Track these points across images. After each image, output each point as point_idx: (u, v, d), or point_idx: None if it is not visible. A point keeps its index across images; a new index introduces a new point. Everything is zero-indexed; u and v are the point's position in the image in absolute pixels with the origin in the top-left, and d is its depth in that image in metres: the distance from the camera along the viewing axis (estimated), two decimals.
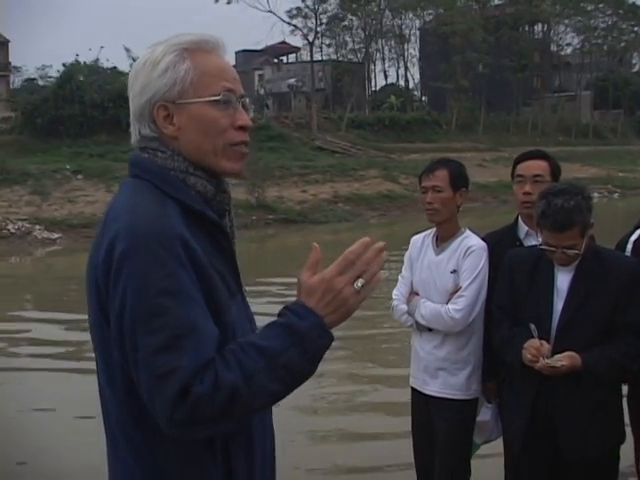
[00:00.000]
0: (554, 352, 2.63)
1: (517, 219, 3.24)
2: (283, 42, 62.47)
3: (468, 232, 3.19)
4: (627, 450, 2.83)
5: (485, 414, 3.20)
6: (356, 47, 50.96)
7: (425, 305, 3.13)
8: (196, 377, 1.29)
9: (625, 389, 3.04)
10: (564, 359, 2.59)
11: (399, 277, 3.36)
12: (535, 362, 2.62)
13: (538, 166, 3.11)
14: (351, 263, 1.37)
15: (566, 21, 50.46)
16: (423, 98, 54.11)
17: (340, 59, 52.44)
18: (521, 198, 3.12)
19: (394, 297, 3.31)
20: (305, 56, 51.59)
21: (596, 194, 32.31)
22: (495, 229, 3.41)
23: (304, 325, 1.34)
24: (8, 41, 46.94)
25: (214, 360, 1.31)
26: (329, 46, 53.17)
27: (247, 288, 1.60)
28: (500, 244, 3.15)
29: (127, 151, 22.59)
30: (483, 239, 3.21)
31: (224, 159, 1.48)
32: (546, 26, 52.83)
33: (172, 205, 1.40)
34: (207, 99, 1.45)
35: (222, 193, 1.52)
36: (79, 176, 22.76)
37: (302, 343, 1.33)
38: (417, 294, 3.22)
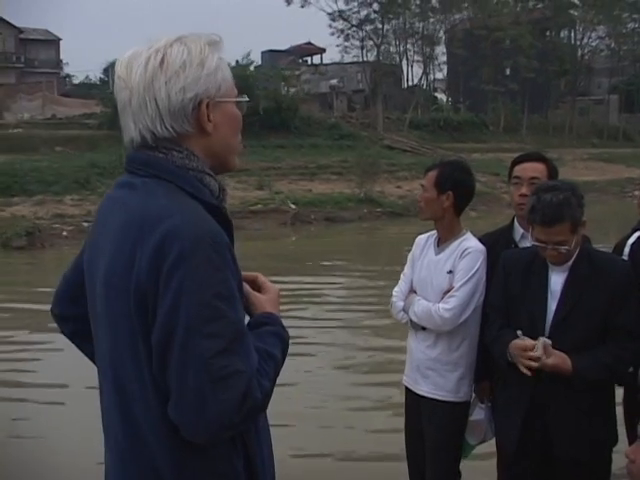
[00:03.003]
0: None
1: (513, 221, 3.26)
2: (309, 43, 63.52)
3: (468, 235, 3.21)
4: (620, 452, 2.79)
5: (479, 414, 3.21)
6: (391, 49, 51.95)
7: (419, 303, 3.16)
8: (254, 382, 1.35)
9: (620, 391, 3.06)
10: (551, 356, 2.59)
11: (401, 275, 3.39)
12: (523, 358, 2.61)
13: (535, 168, 3.12)
14: None
15: (601, 27, 51.87)
16: (449, 99, 55.38)
17: (371, 60, 53.47)
18: (517, 200, 3.11)
19: (394, 294, 3.34)
20: (351, 57, 52.35)
21: None
22: (491, 230, 3.45)
23: (286, 336, 1.54)
24: (59, 39, 47.77)
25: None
26: (362, 48, 54.17)
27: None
28: (496, 246, 3.16)
29: None
30: (478, 240, 3.22)
31: (236, 156, 1.58)
32: (573, 31, 54.34)
33: (200, 206, 1.42)
34: (238, 99, 1.55)
35: (222, 191, 1.54)
36: None
37: (284, 352, 1.51)
38: (415, 292, 3.25)
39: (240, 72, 30.88)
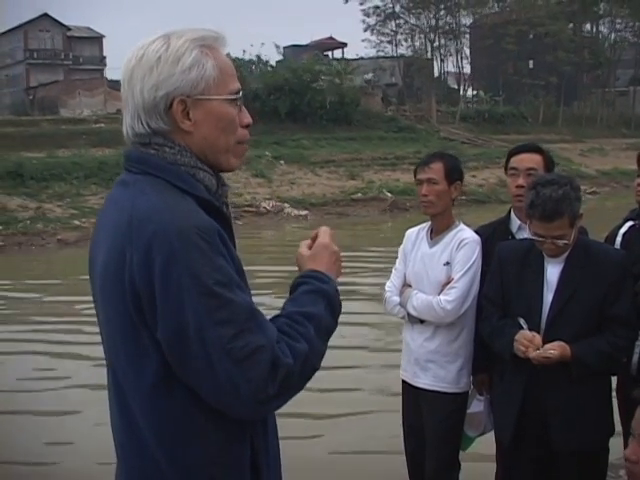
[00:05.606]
0: (544, 344, 2.65)
1: (510, 212, 3.24)
2: (330, 37, 64.43)
3: (462, 225, 3.21)
4: (617, 442, 2.85)
5: (477, 406, 3.22)
6: (419, 44, 52.96)
7: (417, 296, 3.14)
8: (278, 351, 1.37)
9: (614, 381, 3.09)
10: (555, 348, 2.61)
11: (393, 270, 3.37)
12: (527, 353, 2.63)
13: (532, 159, 3.12)
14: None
15: (625, 20, 53.10)
16: (477, 92, 56.48)
17: (400, 54, 54.50)
18: (514, 191, 3.10)
19: (387, 289, 3.32)
20: (375, 51, 53.35)
21: None
22: (487, 222, 3.43)
23: (328, 288, 1.51)
24: (103, 36, 48.61)
25: (280, 335, 1.40)
26: (390, 43, 55.10)
27: None
28: (493, 237, 3.16)
29: (299, 139, 27.76)
30: (476, 232, 3.21)
31: (233, 156, 1.54)
32: (596, 25, 55.61)
33: (191, 201, 1.42)
34: (227, 97, 1.49)
35: (222, 186, 1.55)
36: (281, 161, 24.90)
37: (330, 304, 1.50)
38: (410, 286, 3.23)
39: (309, 67, 32.06)
